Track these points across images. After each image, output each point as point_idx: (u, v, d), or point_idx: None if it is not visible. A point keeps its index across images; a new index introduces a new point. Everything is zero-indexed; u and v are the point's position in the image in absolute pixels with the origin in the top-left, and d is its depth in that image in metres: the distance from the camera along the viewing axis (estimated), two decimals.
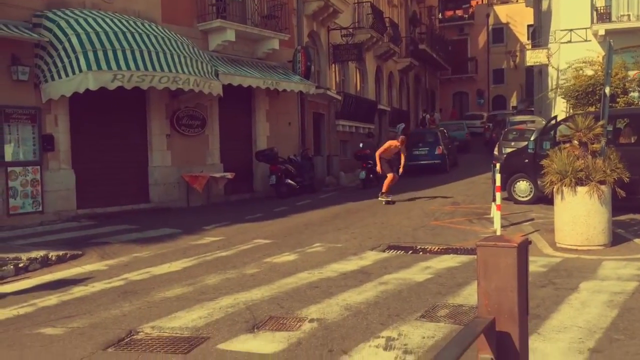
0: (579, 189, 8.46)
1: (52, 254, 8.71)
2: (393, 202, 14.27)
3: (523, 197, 13.35)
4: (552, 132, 12.91)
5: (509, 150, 16.98)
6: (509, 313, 1.83)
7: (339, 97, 23.16)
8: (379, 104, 29.18)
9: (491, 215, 11.32)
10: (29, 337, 5.40)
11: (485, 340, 1.78)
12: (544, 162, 9.16)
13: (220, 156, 16.45)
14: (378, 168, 14.71)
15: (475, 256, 6.32)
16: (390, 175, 14.39)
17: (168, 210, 14.41)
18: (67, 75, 11.88)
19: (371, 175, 18.49)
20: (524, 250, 1.90)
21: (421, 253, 8.77)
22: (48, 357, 4.79)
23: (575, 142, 9.04)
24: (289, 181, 17.11)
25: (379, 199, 14.36)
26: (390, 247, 9.19)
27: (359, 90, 27.59)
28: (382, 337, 5.06)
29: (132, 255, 9.15)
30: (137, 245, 9.93)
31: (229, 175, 15.73)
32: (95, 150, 13.43)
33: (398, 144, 14.64)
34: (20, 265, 8.23)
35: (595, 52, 19.95)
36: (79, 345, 5.06)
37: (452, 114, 44.31)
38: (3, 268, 8.02)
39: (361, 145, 20.81)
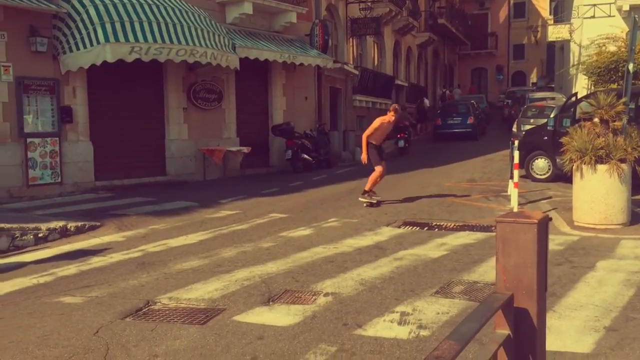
0: (599, 167, 8.36)
1: (71, 225, 8.83)
2: (378, 204, 10.75)
3: (541, 174, 13.23)
4: (572, 110, 12.73)
5: (527, 127, 16.78)
6: (528, 289, 1.81)
7: (356, 72, 22.99)
8: (396, 79, 28.93)
9: (508, 193, 11.24)
10: (48, 305, 5.50)
11: (502, 316, 1.77)
12: (564, 139, 9.05)
13: (236, 130, 16.46)
14: (364, 156, 10.87)
15: (492, 233, 6.34)
16: (378, 169, 10.78)
17: (184, 183, 14.49)
18: (85, 47, 11.90)
19: (407, 145, 21.29)
20: (544, 226, 1.88)
21: (437, 229, 8.76)
22: (68, 325, 4.88)
23: (597, 119, 8.90)
24: (305, 156, 17.10)
25: (360, 199, 10.84)
26: (405, 223, 9.19)
27: (377, 65, 27.35)
28: (397, 312, 5.08)
29: (149, 227, 9.24)
30: (154, 217, 10.02)
31: (245, 149, 15.75)
32: (112, 123, 13.49)
33: (392, 118, 10.86)
34: (40, 235, 8.36)
35: (619, 28, 19.52)
36: (98, 314, 5.15)
37: (471, 89, 43.81)
38: (23, 238, 8.15)
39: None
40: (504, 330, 1.78)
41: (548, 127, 12.90)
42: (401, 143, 21.10)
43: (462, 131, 24.76)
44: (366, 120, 24.13)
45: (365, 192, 10.78)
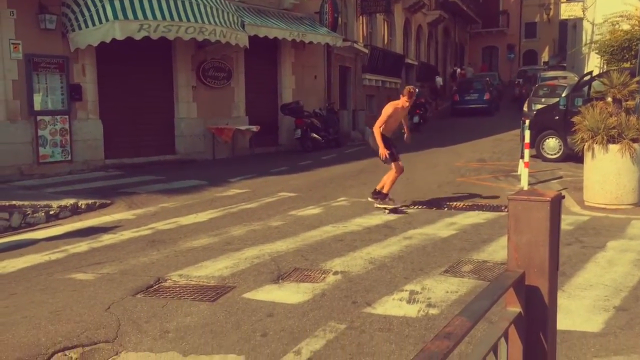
0: (611, 146, 8.28)
1: (82, 203, 8.88)
2: (399, 211, 8.51)
3: (552, 154, 13.14)
4: (585, 89, 12.59)
5: (539, 106, 16.64)
6: (539, 267, 1.80)
7: (366, 51, 22.81)
8: (406, 58, 28.68)
9: (518, 173, 11.19)
10: (60, 281, 5.55)
11: (514, 294, 1.77)
12: (576, 118, 8.97)
13: (245, 109, 16.43)
14: (382, 151, 8.34)
15: (501, 213, 6.31)
16: (395, 167, 8.50)
17: (194, 162, 14.52)
18: (93, 24, 11.87)
19: (421, 121, 22.14)
20: (557, 204, 1.86)
21: (446, 209, 8.74)
22: (79, 301, 4.93)
23: (609, 98, 8.80)
24: (314, 135, 17.06)
25: (376, 205, 8.55)
26: (415, 203, 9.17)
27: (387, 43, 27.11)
28: (406, 290, 5.10)
29: (159, 206, 9.29)
30: (164, 195, 10.06)
31: (255, 128, 15.73)
32: (122, 101, 13.50)
33: (406, 103, 8.51)
34: (51, 212, 8.42)
35: (633, 5, 19.19)
36: (109, 291, 5.20)
37: (482, 68, 43.42)
38: (34, 215, 8.21)
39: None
40: (515, 308, 1.78)
41: (560, 107, 12.78)
42: (416, 119, 21.76)
43: (478, 107, 26.11)
44: (375, 99, 24.04)
45: (379, 193, 8.53)
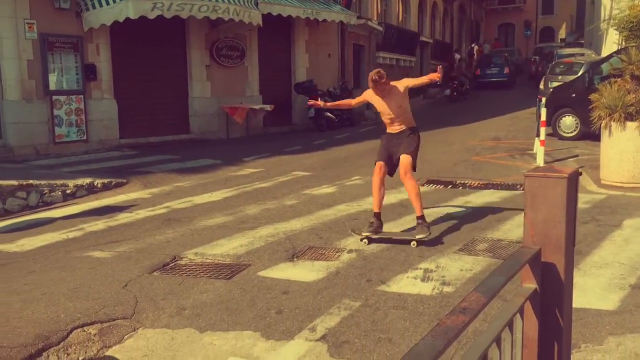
0: (629, 124, 8.17)
1: (98, 182, 8.96)
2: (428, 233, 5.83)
3: (568, 132, 13.00)
4: (602, 66, 12.39)
5: (555, 84, 16.42)
6: (556, 244, 1.80)
7: (380, 28, 22.59)
8: (421, 36, 28.38)
9: (534, 151, 11.10)
10: (78, 259, 5.63)
11: (530, 270, 1.77)
12: (593, 96, 8.84)
13: (259, 88, 16.39)
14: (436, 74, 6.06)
15: (516, 192, 6.27)
16: (413, 183, 6.00)
17: (208, 141, 14.56)
18: (107, 3, 11.86)
19: (455, 93, 23.80)
20: (574, 181, 1.85)
21: (461, 188, 8.70)
22: (97, 279, 5.00)
23: (627, 75, 8.66)
24: (328, 114, 17.00)
25: (416, 237, 5.76)
26: (429, 182, 9.14)
27: (401, 21, 26.82)
28: (420, 268, 5.11)
29: (174, 185, 9.34)
30: (178, 174, 10.11)
31: (268, 107, 15.70)
32: (136, 81, 13.52)
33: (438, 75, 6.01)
34: (68, 191, 8.50)
35: None
36: (126, 269, 5.26)
37: (495, 45, 42.86)
38: (51, 194, 8.30)
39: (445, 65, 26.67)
40: (531, 285, 1.77)
41: (577, 84, 12.60)
42: (447, 92, 23.72)
43: (499, 80, 27.92)
44: (390, 78, 23.80)
45: (422, 218, 5.93)
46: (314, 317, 4.21)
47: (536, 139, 10.95)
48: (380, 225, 5.97)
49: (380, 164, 6.06)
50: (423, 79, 6.31)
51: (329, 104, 6.96)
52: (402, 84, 6.06)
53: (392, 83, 6.00)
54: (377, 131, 16.34)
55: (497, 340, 1.50)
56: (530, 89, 24.04)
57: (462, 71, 28.56)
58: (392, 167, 6.11)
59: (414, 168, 6.00)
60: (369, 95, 6.19)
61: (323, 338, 3.88)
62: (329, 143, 14.11)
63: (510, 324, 1.60)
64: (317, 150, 13.04)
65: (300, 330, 4.01)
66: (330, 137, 15.12)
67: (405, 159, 5.92)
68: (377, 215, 5.97)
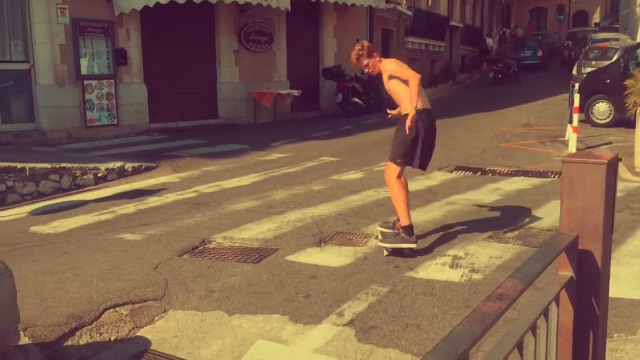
0: None
1: (128, 165, 9.07)
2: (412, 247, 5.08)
3: (601, 119, 12.74)
4: (638, 51, 12.08)
5: (589, 69, 16.08)
6: (593, 231, 1.76)
7: (410, 13, 22.32)
8: (451, 20, 27.99)
9: (566, 138, 10.91)
10: (110, 241, 5.72)
11: (566, 258, 1.73)
12: (628, 82, 8.65)
13: (287, 73, 16.37)
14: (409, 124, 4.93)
15: (547, 179, 6.17)
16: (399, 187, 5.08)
17: (236, 126, 14.62)
18: None
19: (499, 75, 24.34)
20: (613, 167, 1.80)
21: (490, 174, 8.60)
22: (128, 261, 5.08)
23: None
24: (356, 99, 16.92)
25: (381, 244, 5.18)
26: (458, 168, 9.06)
27: (431, 5, 26.47)
28: (449, 255, 5.07)
29: (203, 169, 9.42)
30: (207, 159, 10.19)
31: (296, 92, 15.68)
32: (165, 66, 13.61)
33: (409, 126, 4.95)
34: (99, 174, 8.63)
35: None
36: (156, 251, 5.33)
37: (527, 30, 42.09)
38: (83, 177, 8.44)
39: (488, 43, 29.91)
40: (567, 272, 1.74)
41: (611, 70, 12.31)
42: (491, 75, 24.66)
43: (532, 62, 28.95)
44: (418, 63, 23.60)
45: (394, 222, 5.33)
46: (341, 302, 4.21)
47: (568, 125, 10.75)
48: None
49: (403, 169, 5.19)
50: (412, 92, 4.87)
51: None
52: (386, 69, 5.06)
53: (383, 62, 5.12)
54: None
55: (533, 328, 1.48)
56: (562, 75, 23.59)
57: (508, 54, 28.76)
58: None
59: (402, 163, 5.01)
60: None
61: (351, 323, 3.88)
62: (357, 128, 14.05)
63: (545, 312, 1.57)
64: (345, 135, 13.00)
65: (328, 315, 4.02)
66: (358, 123, 15.05)
67: (386, 166, 5.21)
68: (410, 227, 5.04)
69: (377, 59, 5.14)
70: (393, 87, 5.08)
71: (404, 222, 5.00)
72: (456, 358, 1.00)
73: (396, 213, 5.16)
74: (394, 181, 5.04)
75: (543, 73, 27.32)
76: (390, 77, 5.03)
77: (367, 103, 17.39)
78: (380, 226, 5.41)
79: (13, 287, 3.26)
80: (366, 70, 5.25)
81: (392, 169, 5.07)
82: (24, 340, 3.61)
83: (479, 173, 8.72)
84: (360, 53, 5.11)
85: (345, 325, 3.86)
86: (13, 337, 3.28)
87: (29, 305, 4.04)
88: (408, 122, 4.83)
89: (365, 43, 5.23)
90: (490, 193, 7.35)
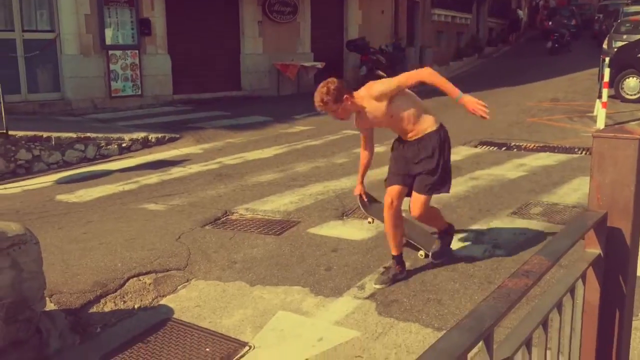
0: None
1: (152, 136, 9.13)
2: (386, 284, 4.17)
3: (632, 95, 12.42)
4: None
5: (620, 44, 15.65)
6: (623, 208, 1.72)
7: None
8: None
9: (594, 113, 10.68)
10: (133, 211, 5.78)
11: (594, 235, 1.70)
12: None
13: (310, 45, 16.22)
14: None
15: (574, 155, 6.04)
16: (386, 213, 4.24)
17: (259, 98, 14.58)
18: None
19: (556, 45, 24.68)
20: None
21: (515, 150, 8.48)
22: (152, 231, 5.13)
23: None
24: (380, 72, 16.71)
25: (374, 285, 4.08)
26: (482, 143, 8.94)
27: None
28: (471, 230, 5.03)
29: (226, 141, 9.43)
30: (230, 131, 10.20)
31: (319, 64, 15.55)
32: (189, 37, 13.57)
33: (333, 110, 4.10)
34: (124, 145, 8.70)
35: None
36: (179, 222, 5.38)
37: (559, 2, 41.06)
38: (108, 147, 8.51)
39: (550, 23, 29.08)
40: (595, 250, 1.71)
41: None
42: (549, 44, 24.97)
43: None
44: (444, 35, 23.24)
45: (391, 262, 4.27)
46: (362, 275, 4.22)
47: (597, 100, 10.52)
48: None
49: (392, 191, 4.17)
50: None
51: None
52: (374, 94, 3.96)
53: (359, 93, 4.03)
54: (432, 91, 15.98)
55: (559, 306, 1.45)
56: (592, 49, 23.04)
57: (561, 23, 28.63)
58: (410, 185, 4.18)
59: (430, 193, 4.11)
60: (356, 123, 4.30)
61: (372, 296, 3.89)
62: None
63: (571, 290, 1.55)
64: None
65: (349, 288, 4.03)
66: None
67: (418, 200, 4.08)
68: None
69: (349, 100, 3.93)
70: (397, 110, 3.98)
71: (395, 251, 4.17)
72: (481, 334, 0.98)
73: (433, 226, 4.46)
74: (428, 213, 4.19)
75: (574, 45, 26.80)
76: (388, 99, 3.93)
77: (392, 76, 17.19)
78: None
79: (39, 254, 3.32)
80: (337, 118, 4.12)
81: (426, 201, 4.11)
82: (50, 306, 3.68)
83: (504, 148, 8.60)
84: (325, 99, 3.89)
85: (366, 298, 3.87)
86: (39, 303, 3.35)
87: (54, 273, 4.12)
88: (475, 106, 3.93)
89: (331, 84, 3.93)
90: (515, 168, 7.25)
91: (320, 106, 3.96)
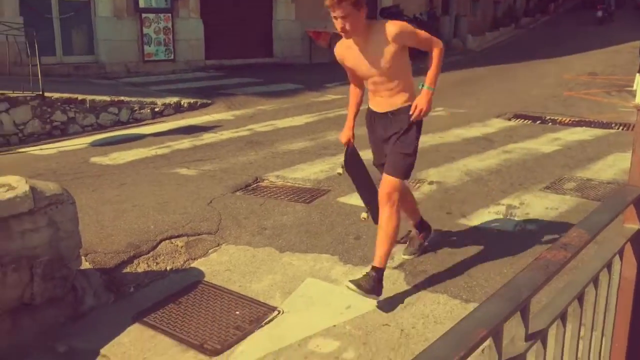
0: None
1: (184, 101, 9.18)
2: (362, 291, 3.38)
3: None
4: None
5: None
6: None
7: None
8: None
9: (633, 88, 10.40)
10: (166, 175, 5.86)
11: (634, 210, 1.66)
12: None
13: None
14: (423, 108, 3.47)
15: (611, 130, 5.91)
16: (390, 214, 3.41)
17: (291, 65, 14.51)
18: None
19: (605, 14, 24.88)
20: None
21: (550, 124, 8.32)
22: (183, 195, 5.20)
23: None
24: None
25: (346, 282, 3.38)
26: (517, 116, 8.79)
27: None
28: (503, 204, 4.99)
29: (257, 108, 9.45)
30: (261, 98, 10.20)
31: None
32: (222, 1, 13.50)
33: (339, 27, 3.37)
34: (156, 109, 8.78)
35: None
36: (211, 187, 5.44)
37: None
38: (141, 111, 8.60)
39: None
40: (634, 225, 1.68)
41: None
42: (599, 14, 24.94)
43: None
44: (480, 4, 22.70)
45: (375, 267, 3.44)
46: None
47: (637, 75, 10.23)
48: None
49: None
50: (433, 65, 3.53)
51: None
52: (400, 33, 3.26)
53: (387, 24, 3.29)
54: (465, 61, 15.73)
55: (595, 281, 1.44)
56: (634, 21, 22.32)
57: None
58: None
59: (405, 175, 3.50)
60: (339, 51, 3.57)
61: (400, 266, 3.90)
62: (413, 71, 13.71)
63: (608, 265, 1.53)
64: None
65: None
66: (415, 67, 14.65)
67: (387, 182, 3.44)
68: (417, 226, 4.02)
69: (364, 14, 3.25)
70: (398, 63, 3.38)
71: (384, 262, 3.39)
72: (518, 304, 0.98)
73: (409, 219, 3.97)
74: (396, 214, 3.42)
75: (616, 15, 26.20)
76: (401, 47, 3.32)
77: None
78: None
79: (75, 214, 3.40)
80: (341, 30, 3.32)
81: (397, 185, 3.43)
82: (85, 265, 3.78)
83: (539, 122, 8.45)
84: None
85: (395, 268, 3.88)
86: (75, 262, 3.44)
87: (89, 233, 4.21)
88: (423, 105, 3.41)
89: None
90: (549, 143, 7.12)
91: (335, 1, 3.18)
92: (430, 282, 3.68)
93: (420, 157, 6.42)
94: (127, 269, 3.90)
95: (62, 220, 3.29)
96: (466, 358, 0.82)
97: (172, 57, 12.61)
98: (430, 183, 5.57)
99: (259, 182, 5.64)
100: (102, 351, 3.11)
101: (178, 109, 9.02)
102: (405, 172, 3.49)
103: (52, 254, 3.25)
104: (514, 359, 1.03)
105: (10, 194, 3.05)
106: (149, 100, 8.82)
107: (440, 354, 0.81)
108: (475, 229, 4.48)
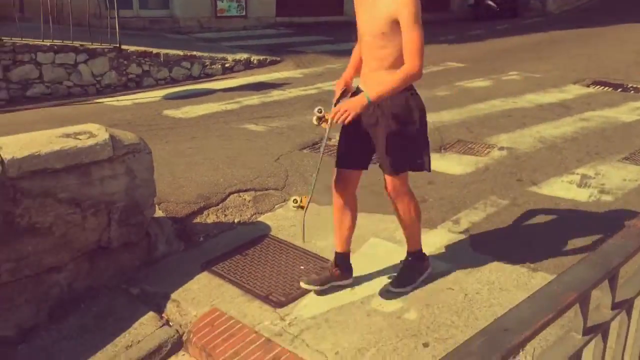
0: None
1: (254, 58, 9.24)
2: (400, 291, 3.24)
3: None
4: None
5: None
6: None
7: None
8: None
9: None
10: (235, 130, 5.95)
11: None
12: None
13: None
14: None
15: None
16: (406, 204, 3.23)
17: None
18: None
19: None
20: None
21: (632, 92, 7.91)
22: (252, 150, 5.28)
23: None
24: (489, 2, 15.90)
25: (380, 290, 3.25)
26: (596, 83, 8.39)
27: None
28: (577, 174, 4.81)
29: (326, 66, 9.40)
30: (330, 56, 10.13)
31: None
32: None
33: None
34: (227, 65, 8.88)
35: None
36: (278, 143, 5.49)
37: None
38: (212, 66, 8.71)
39: None
40: None
41: None
42: None
43: None
44: None
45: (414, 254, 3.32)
46: (458, 210, 4.17)
47: None
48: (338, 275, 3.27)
49: (339, 173, 3.45)
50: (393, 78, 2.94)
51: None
52: (396, 9, 2.85)
53: None
54: (543, 24, 15.04)
55: None
56: None
57: None
58: (364, 157, 3.36)
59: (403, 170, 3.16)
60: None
61: (466, 231, 3.85)
62: (487, 34, 13.28)
63: None
64: (474, 41, 12.36)
65: (444, 221, 4.01)
66: (489, 28, 14.21)
67: (389, 182, 3.18)
68: (339, 257, 3.32)
69: None
70: (391, 36, 2.95)
71: (417, 245, 3.29)
72: (608, 271, 0.95)
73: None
74: (407, 193, 3.22)
75: None
76: (395, 21, 2.88)
77: (501, 7, 16.30)
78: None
79: (151, 163, 3.51)
80: None
81: (399, 180, 3.17)
82: (159, 213, 3.91)
83: (620, 89, 8.04)
84: None
85: (460, 232, 3.83)
86: (149, 210, 3.57)
87: (162, 183, 4.35)
88: (350, 109, 2.95)
89: None
90: (630, 112, 6.78)
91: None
92: (497, 249, 3.62)
93: (491, 122, 6.31)
94: (197, 219, 4.02)
95: (139, 168, 3.40)
96: (553, 321, 0.80)
97: (243, 14, 12.64)
98: (501, 149, 5.43)
99: (326, 141, 5.63)
100: (173, 296, 3.24)
101: (248, 66, 9.09)
102: (402, 166, 3.12)
103: (128, 200, 3.38)
104: (599, 327, 1.00)
105: (91, 141, 3.17)
106: (220, 55, 8.92)
107: (527, 315, 0.80)
108: (546, 197, 4.35)
